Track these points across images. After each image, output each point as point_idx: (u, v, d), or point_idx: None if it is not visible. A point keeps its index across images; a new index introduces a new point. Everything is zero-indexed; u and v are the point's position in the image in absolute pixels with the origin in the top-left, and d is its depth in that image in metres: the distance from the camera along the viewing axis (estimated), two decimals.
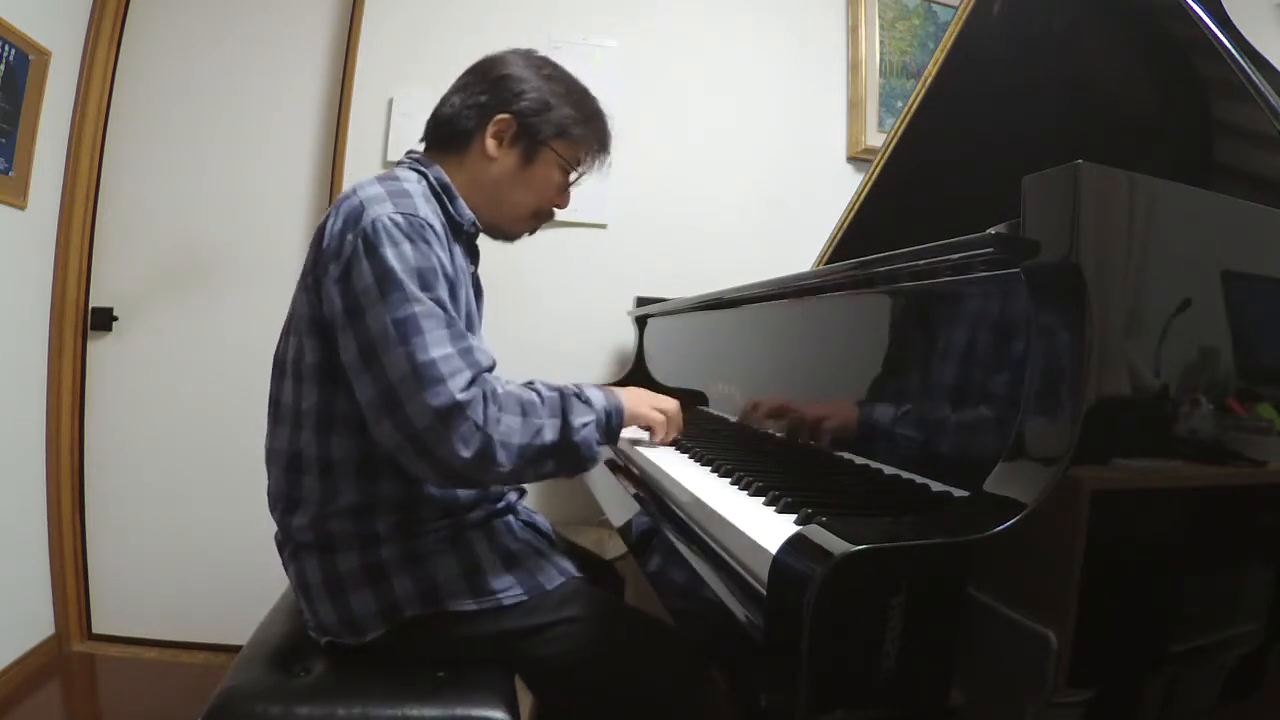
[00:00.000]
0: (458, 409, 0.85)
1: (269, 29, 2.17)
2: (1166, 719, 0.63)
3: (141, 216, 2.12)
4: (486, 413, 0.86)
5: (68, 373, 2.03)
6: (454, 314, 0.91)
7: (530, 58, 1.10)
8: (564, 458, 0.94)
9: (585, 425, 0.94)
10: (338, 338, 0.91)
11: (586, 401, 0.96)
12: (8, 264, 1.85)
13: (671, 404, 1.16)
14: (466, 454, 0.85)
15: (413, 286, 0.88)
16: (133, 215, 2.12)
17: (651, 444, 1.17)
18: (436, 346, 0.86)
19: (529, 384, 0.95)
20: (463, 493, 1.02)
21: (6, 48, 1.74)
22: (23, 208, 1.86)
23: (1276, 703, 0.68)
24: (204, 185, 2.14)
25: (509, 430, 0.88)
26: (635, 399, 1.08)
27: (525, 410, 0.90)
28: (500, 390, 0.90)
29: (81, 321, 2.07)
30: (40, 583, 1.99)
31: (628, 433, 1.11)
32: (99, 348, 2.11)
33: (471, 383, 0.87)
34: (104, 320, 2.09)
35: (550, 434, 0.91)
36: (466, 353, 0.88)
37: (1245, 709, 0.68)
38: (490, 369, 0.92)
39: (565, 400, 0.94)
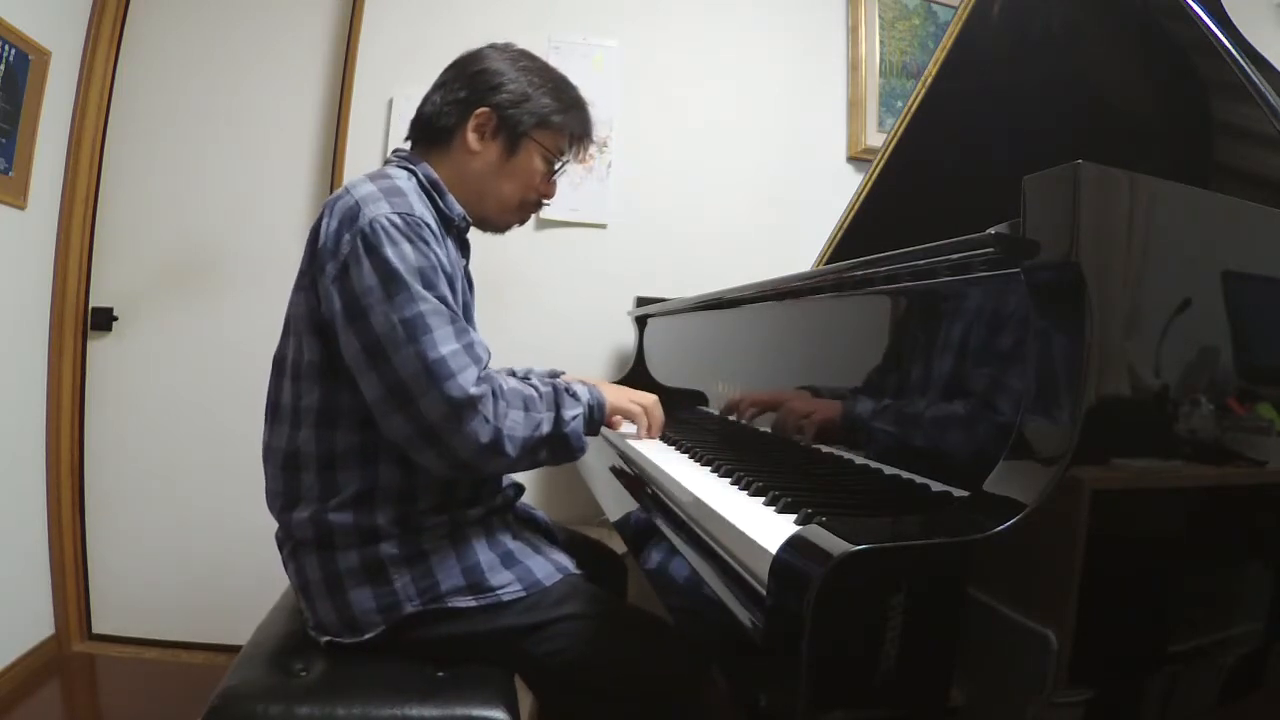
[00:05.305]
0: (470, 403, 0.89)
1: (269, 30, 2.17)
2: (1166, 719, 0.63)
3: (141, 216, 2.12)
4: (496, 408, 0.92)
5: (68, 373, 2.03)
6: (456, 310, 0.94)
7: (507, 51, 1.11)
8: (556, 448, 0.99)
9: (575, 418, 1.00)
10: (338, 336, 0.93)
11: (574, 396, 1.02)
12: (8, 264, 1.85)
13: (649, 397, 1.19)
14: (478, 444, 0.90)
15: (417, 286, 0.91)
16: (133, 215, 2.12)
17: (637, 436, 1.20)
18: (445, 343, 0.90)
19: (525, 379, 1.01)
20: (462, 488, 1.03)
21: (6, 48, 1.74)
22: (23, 208, 1.86)
23: (1276, 703, 0.68)
24: (204, 185, 2.14)
25: (515, 424, 0.94)
26: (615, 393, 1.13)
27: (527, 405, 0.96)
28: (505, 387, 0.95)
29: (81, 321, 2.07)
30: (40, 583, 1.99)
31: (624, 429, 1.16)
32: (99, 348, 2.11)
33: (480, 378, 0.92)
34: (104, 320, 2.09)
35: (547, 426, 0.97)
36: (470, 348, 0.93)
37: (1245, 709, 0.68)
38: (488, 363, 0.96)
39: (558, 395, 1.00)
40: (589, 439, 1.05)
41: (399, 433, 0.91)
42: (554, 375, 1.21)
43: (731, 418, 1.30)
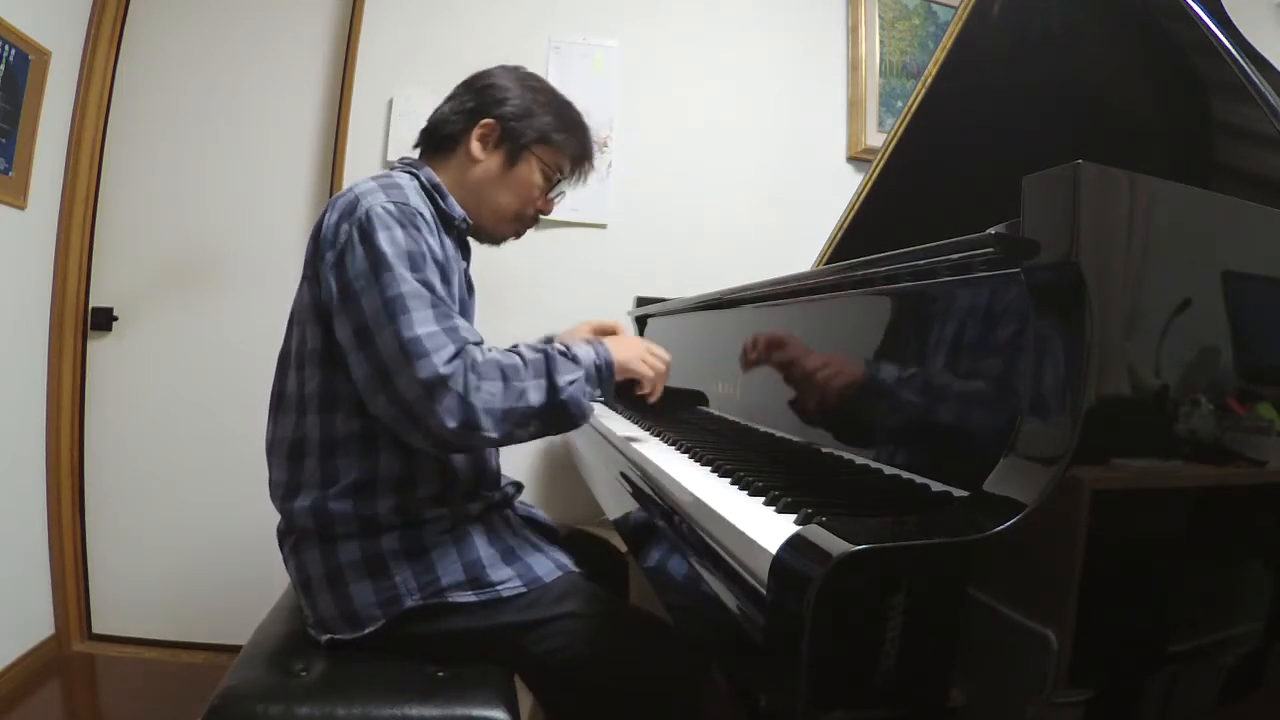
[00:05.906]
0: (441, 382, 0.89)
1: (269, 30, 2.17)
2: (1166, 719, 0.63)
3: (141, 216, 2.12)
4: (467, 382, 0.90)
5: (68, 373, 2.03)
6: (441, 296, 0.95)
7: (516, 72, 1.16)
8: (553, 416, 0.96)
9: (572, 383, 0.96)
10: (334, 319, 0.95)
11: (573, 359, 0.99)
12: (8, 264, 1.85)
13: (662, 359, 1.14)
14: (453, 424, 0.89)
15: (402, 269, 0.93)
16: (133, 215, 2.12)
17: (643, 393, 1.14)
18: (422, 324, 0.91)
19: (513, 347, 0.99)
20: (461, 481, 1.04)
21: (6, 48, 1.74)
22: (23, 208, 1.86)
23: (1276, 703, 0.68)
24: (204, 185, 2.14)
25: (490, 397, 0.91)
26: (627, 350, 1.08)
27: (506, 375, 0.93)
28: (481, 359, 0.93)
29: (81, 321, 2.07)
30: (40, 583, 1.99)
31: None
32: (99, 348, 2.11)
33: (455, 356, 0.91)
34: (104, 320, 2.09)
35: (536, 395, 0.94)
36: (451, 330, 0.92)
37: (1245, 709, 0.68)
38: (477, 344, 0.95)
39: (550, 360, 0.97)
40: (599, 403, 1.01)
41: (385, 413, 0.92)
42: (548, 340, 1.16)
43: (733, 419, 1.30)
